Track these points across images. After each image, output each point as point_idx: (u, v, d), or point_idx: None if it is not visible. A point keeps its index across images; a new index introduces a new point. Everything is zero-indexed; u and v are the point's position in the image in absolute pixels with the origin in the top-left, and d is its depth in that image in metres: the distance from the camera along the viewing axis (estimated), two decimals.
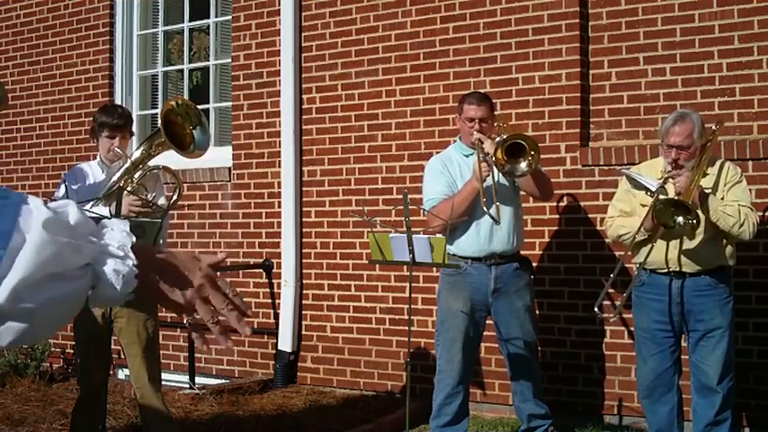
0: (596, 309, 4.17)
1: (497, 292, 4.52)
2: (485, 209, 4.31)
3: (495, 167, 4.34)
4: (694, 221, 3.88)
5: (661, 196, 4.04)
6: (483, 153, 4.40)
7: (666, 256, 4.16)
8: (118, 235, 1.28)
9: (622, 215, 4.31)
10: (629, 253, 4.36)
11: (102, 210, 4.11)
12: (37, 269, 1.15)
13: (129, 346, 4.27)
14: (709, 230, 4.07)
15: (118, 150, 4.30)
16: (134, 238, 1.29)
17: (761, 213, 4.70)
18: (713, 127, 4.29)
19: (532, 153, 4.26)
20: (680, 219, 3.93)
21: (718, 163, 4.23)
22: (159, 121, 4.26)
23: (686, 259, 4.14)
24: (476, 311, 4.54)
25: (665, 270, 4.19)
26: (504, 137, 4.36)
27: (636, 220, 4.16)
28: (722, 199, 4.10)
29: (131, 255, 1.27)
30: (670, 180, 4.09)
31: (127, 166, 4.24)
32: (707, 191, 4.07)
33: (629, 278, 4.34)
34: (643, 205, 4.17)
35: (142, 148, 4.36)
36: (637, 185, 4.27)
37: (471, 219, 4.46)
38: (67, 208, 1.23)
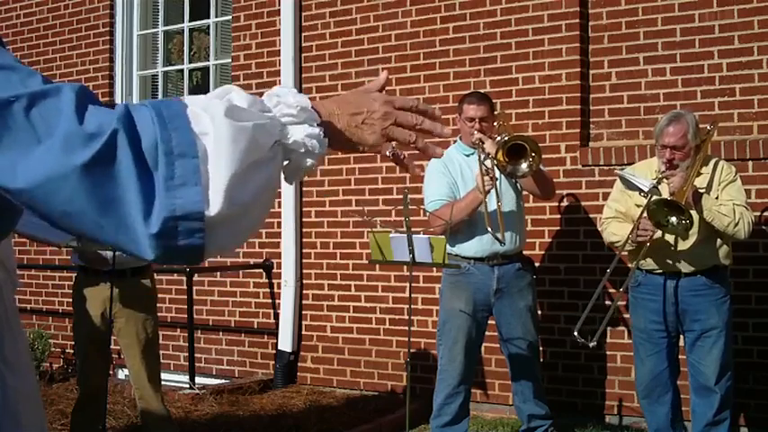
0: (576, 333, 4.14)
1: (500, 292, 4.52)
2: (489, 229, 4.30)
3: (497, 170, 4.33)
4: (687, 221, 3.88)
5: (654, 197, 4.04)
6: (484, 153, 4.40)
7: (661, 257, 4.16)
8: (293, 99, 1.22)
9: (618, 216, 4.31)
10: (626, 253, 4.36)
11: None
12: (239, 162, 1.10)
13: (128, 346, 4.27)
14: (703, 230, 4.07)
15: None
16: (308, 99, 1.22)
17: (759, 213, 4.70)
18: (708, 127, 4.29)
19: (533, 154, 4.25)
20: (673, 219, 3.93)
21: (712, 162, 4.22)
22: None
23: (681, 259, 4.14)
24: (478, 312, 4.54)
25: (661, 270, 4.19)
26: (506, 138, 4.35)
27: (627, 228, 4.15)
28: (717, 198, 4.10)
29: (315, 116, 1.22)
30: (664, 180, 4.09)
31: None
32: (701, 190, 4.07)
33: (624, 278, 4.33)
34: (638, 205, 4.17)
35: None
36: (630, 186, 4.27)
37: (473, 219, 4.46)
38: (232, 94, 1.18)
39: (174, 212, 1.05)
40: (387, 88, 5.13)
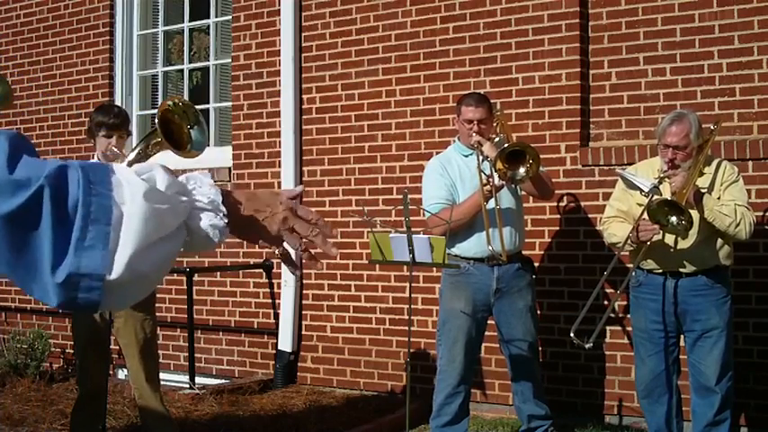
0: (572, 334, 4.13)
1: (499, 292, 4.52)
2: (490, 248, 4.31)
3: (496, 177, 4.33)
4: (687, 222, 3.88)
5: (655, 196, 4.04)
6: (482, 155, 4.41)
7: (662, 257, 4.16)
8: (206, 190, 1.36)
9: (619, 215, 4.31)
10: (625, 253, 4.36)
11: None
12: (145, 239, 1.23)
13: (126, 346, 4.28)
14: (703, 230, 4.07)
15: (115, 150, 4.28)
16: (220, 192, 1.37)
17: (760, 213, 4.70)
18: (711, 127, 4.29)
19: (531, 162, 4.24)
20: (673, 219, 3.93)
21: (714, 162, 4.22)
22: (156, 121, 4.25)
23: (682, 259, 4.14)
24: (478, 312, 4.54)
25: (661, 270, 4.19)
26: (505, 144, 4.35)
27: (627, 228, 4.15)
28: (718, 198, 4.10)
29: (222, 208, 1.35)
30: (666, 180, 4.09)
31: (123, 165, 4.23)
32: (703, 190, 4.07)
33: (624, 278, 4.33)
34: (640, 205, 4.17)
35: (139, 148, 4.34)
36: (631, 185, 4.27)
37: (473, 220, 4.46)
38: (154, 173, 1.30)
39: (78, 270, 1.19)
40: (387, 89, 5.15)
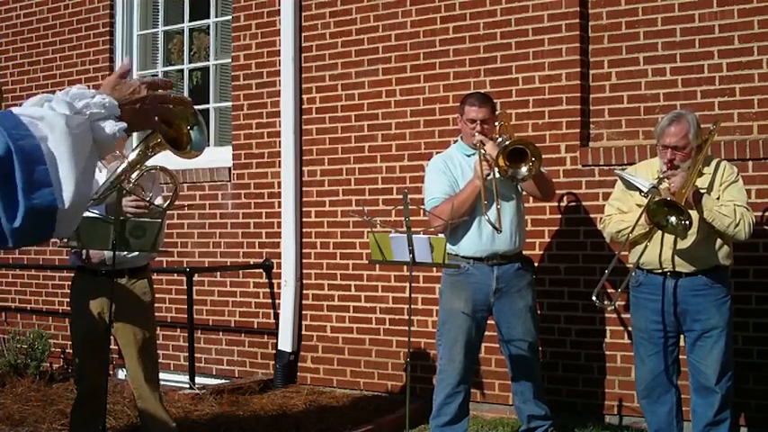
0: (594, 297, 4.13)
1: (499, 292, 4.52)
2: (486, 216, 4.30)
3: (497, 172, 4.34)
4: (686, 222, 3.88)
5: (654, 197, 4.04)
6: (485, 155, 4.41)
7: (661, 257, 4.16)
8: (98, 100, 1.50)
9: (619, 213, 4.31)
10: (625, 252, 4.36)
11: (100, 209, 4.10)
12: (80, 162, 1.35)
13: (125, 346, 4.28)
14: (703, 230, 4.07)
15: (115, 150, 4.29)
16: (107, 95, 1.51)
17: (760, 213, 4.70)
18: (710, 127, 4.29)
19: (533, 159, 4.25)
20: (672, 219, 3.93)
21: (714, 162, 4.22)
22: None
23: (681, 259, 4.14)
24: (477, 312, 4.54)
25: (660, 270, 4.19)
26: (507, 142, 4.35)
27: (635, 215, 4.15)
28: (718, 199, 4.10)
29: (117, 110, 1.51)
30: (665, 180, 4.09)
31: (123, 166, 4.23)
32: (702, 191, 4.07)
33: (625, 277, 4.33)
34: (639, 205, 4.17)
35: (139, 149, 4.34)
36: (630, 186, 4.27)
37: (473, 219, 4.46)
38: (53, 102, 1.45)
39: (33, 210, 1.29)
40: (387, 89, 5.15)
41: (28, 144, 1.29)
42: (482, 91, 5.07)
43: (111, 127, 1.47)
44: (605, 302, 4.15)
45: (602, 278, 4.21)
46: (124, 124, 1.50)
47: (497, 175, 4.36)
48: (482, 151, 4.41)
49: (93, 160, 1.42)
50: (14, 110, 1.37)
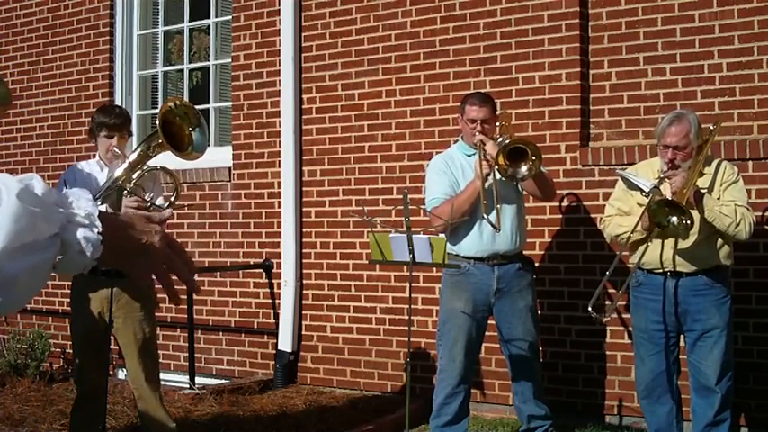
0: (590, 308, 4.14)
1: (500, 292, 4.52)
2: (485, 216, 4.29)
3: (496, 172, 4.34)
4: (688, 222, 3.88)
5: (656, 197, 4.04)
6: (485, 155, 4.41)
7: (661, 257, 4.16)
8: (84, 204, 1.33)
9: (620, 214, 4.31)
10: (626, 252, 4.36)
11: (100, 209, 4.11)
12: (15, 238, 1.20)
13: (125, 346, 4.28)
14: (703, 230, 4.07)
15: (116, 150, 4.29)
16: (99, 206, 1.34)
17: (760, 213, 4.70)
18: (711, 127, 4.29)
19: (533, 159, 4.24)
20: (674, 219, 3.93)
21: (714, 162, 4.22)
22: (157, 122, 4.25)
23: (681, 259, 4.14)
24: (478, 312, 4.54)
25: (661, 270, 4.19)
26: (507, 141, 4.35)
27: (633, 219, 4.16)
28: (718, 199, 4.10)
29: (98, 222, 1.32)
30: (666, 180, 4.09)
31: (124, 167, 4.23)
32: (702, 191, 4.07)
33: (625, 278, 4.33)
34: (640, 205, 4.17)
35: (140, 149, 4.35)
36: (631, 186, 4.27)
37: (474, 219, 4.46)
38: (33, 180, 1.28)
39: None
40: (387, 89, 5.15)
41: None
42: (482, 91, 5.07)
43: (81, 233, 1.31)
44: (602, 314, 4.13)
45: (596, 290, 4.19)
46: (96, 235, 1.32)
47: (498, 176, 4.36)
48: (482, 151, 4.41)
49: (41, 255, 1.26)
50: None
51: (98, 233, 1.32)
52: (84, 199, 1.34)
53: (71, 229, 1.30)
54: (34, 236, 1.24)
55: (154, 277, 1.43)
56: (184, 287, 1.47)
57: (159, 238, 1.40)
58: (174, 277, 1.43)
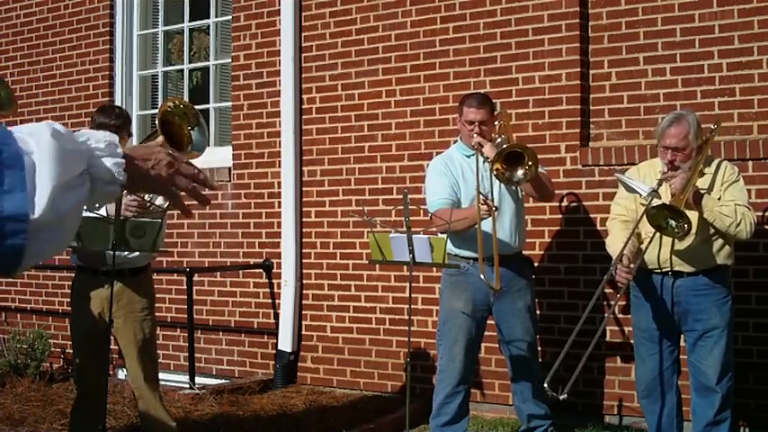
0: (546, 385, 4.11)
1: (499, 292, 4.51)
2: (482, 277, 4.30)
3: (495, 179, 4.32)
4: (686, 226, 3.87)
5: (655, 201, 4.03)
6: (483, 157, 4.41)
7: (660, 257, 4.16)
8: (101, 136, 1.40)
9: (625, 214, 4.30)
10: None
11: (101, 210, 4.11)
12: (59, 177, 1.26)
13: (125, 346, 4.28)
14: (703, 230, 4.07)
15: None
16: (116, 139, 1.42)
17: (760, 213, 4.70)
18: (711, 127, 4.29)
19: (530, 164, 4.22)
20: (673, 222, 3.93)
21: (715, 162, 4.22)
22: (156, 122, 4.24)
23: (682, 259, 4.14)
24: (477, 311, 4.54)
25: (662, 270, 4.19)
26: (504, 146, 4.34)
27: (624, 238, 4.11)
28: (719, 199, 4.09)
29: (120, 150, 1.41)
30: (666, 181, 4.09)
31: None
32: (703, 191, 4.07)
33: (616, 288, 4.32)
34: (643, 205, 4.16)
35: None
36: (629, 189, 4.26)
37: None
38: (54, 124, 1.34)
39: (2, 213, 1.21)
40: (387, 89, 5.14)
41: (9, 149, 1.24)
42: (482, 91, 5.07)
43: (108, 161, 1.38)
44: (559, 392, 4.08)
45: (555, 362, 4.13)
46: (122, 160, 1.40)
47: (497, 182, 4.33)
48: (480, 156, 4.41)
49: (78, 193, 1.31)
50: (12, 128, 1.31)
51: (122, 158, 1.40)
52: (99, 133, 1.41)
53: (97, 163, 1.37)
54: (70, 173, 1.30)
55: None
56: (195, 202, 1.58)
57: (167, 159, 1.49)
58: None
